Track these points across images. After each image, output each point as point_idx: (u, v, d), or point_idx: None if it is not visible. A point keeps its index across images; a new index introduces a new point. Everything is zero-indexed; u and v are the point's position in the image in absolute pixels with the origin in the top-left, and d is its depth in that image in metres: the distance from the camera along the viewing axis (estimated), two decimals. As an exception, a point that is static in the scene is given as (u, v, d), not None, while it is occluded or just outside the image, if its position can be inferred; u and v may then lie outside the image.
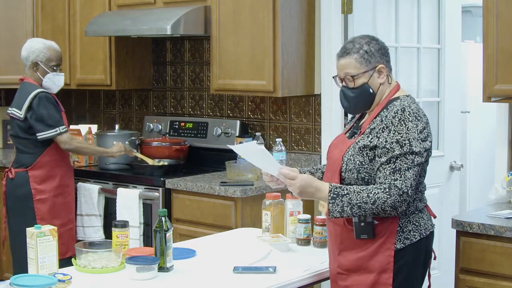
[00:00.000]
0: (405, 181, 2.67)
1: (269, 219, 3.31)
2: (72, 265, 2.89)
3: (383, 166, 2.70)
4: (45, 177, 4.32)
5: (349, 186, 2.73)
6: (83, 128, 5.18)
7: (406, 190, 2.67)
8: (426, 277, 2.91)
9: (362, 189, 2.69)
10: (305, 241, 3.27)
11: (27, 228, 2.76)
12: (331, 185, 2.74)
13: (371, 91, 2.83)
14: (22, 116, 4.25)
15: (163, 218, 2.85)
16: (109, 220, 4.60)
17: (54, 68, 4.37)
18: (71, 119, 5.96)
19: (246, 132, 4.93)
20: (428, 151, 2.77)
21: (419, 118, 2.75)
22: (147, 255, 2.85)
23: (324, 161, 4.27)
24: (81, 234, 4.69)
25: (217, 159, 4.86)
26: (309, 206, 3.93)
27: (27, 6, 5.59)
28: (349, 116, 4.16)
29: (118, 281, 2.76)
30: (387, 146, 2.71)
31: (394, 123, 2.73)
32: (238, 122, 4.92)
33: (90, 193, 4.73)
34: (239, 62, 4.55)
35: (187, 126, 5.17)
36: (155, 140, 5.03)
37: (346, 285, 2.82)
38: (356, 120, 3.00)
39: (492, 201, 3.72)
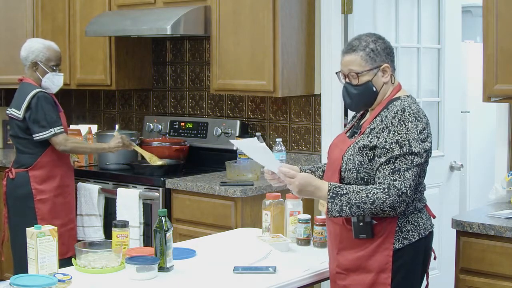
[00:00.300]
0: (404, 181, 2.67)
1: (269, 219, 3.31)
2: (72, 265, 2.89)
3: (382, 166, 2.71)
4: (45, 177, 4.32)
5: (349, 186, 2.73)
6: (83, 128, 5.18)
7: (405, 191, 2.67)
8: (425, 277, 2.91)
9: (361, 188, 2.70)
10: (305, 241, 3.27)
11: (27, 228, 2.76)
12: (330, 184, 2.74)
13: (374, 89, 2.83)
14: (21, 116, 4.25)
15: (163, 218, 2.85)
16: (109, 220, 4.60)
17: (54, 68, 4.37)
18: (71, 119, 5.96)
19: (246, 132, 4.94)
20: (428, 151, 2.77)
21: (419, 118, 2.75)
22: (147, 255, 2.85)
23: (324, 161, 4.28)
24: (81, 234, 4.69)
25: (217, 159, 4.86)
26: (309, 206, 3.94)
27: (27, 6, 5.59)
28: (349, 116, 4.17)
29: (118, 281, 2.76)
30: (387, 147, 2.71)
31: (394, 123, 2.73)
32: (238, 122, 4.92)
33: (90, 193, 4.73)
34: (239, 62, 4.55)
35: (187, 126, 5.17)
36: (155, 140, 5.03)
37: (345, 284, 2.82)
38: (357, 120, 3.00)
39: (492, 201, 3.72)
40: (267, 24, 4.40)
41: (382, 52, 2.83)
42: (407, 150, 2.69)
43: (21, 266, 3.95)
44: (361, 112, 3.00)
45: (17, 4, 5.58)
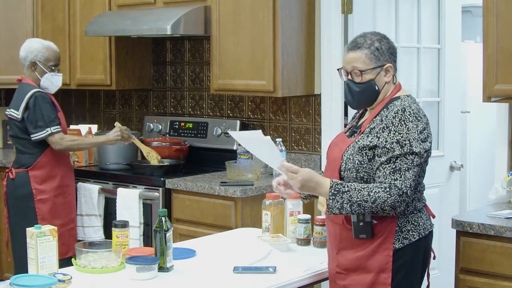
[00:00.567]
0: (405, 181, 2.67)
1: (269, 219, 3.31)
2: (72, 265, 2.89)
3: (383, 165, 2.70)
4: (45, 177, 4.32)
5: (350, 183, 2.72)
6: (83, 128, 5.18)
7: (405, 191, 2.67)
8: (425, 276, 2.91)
9: (363, 187, 2.69)
10: (305, 241, 3.27)
11: (27, 228, 2.76)
12: (332, 181, 2.72)
13: (376, 88, 2.82)
14: (19, 116, 4.25)
15: (163, 218, 2.85)
16: (109, 220, 4.60)
17: (52, 68, 4.37)
18: (71, 119, 5.97)
19: (246, 132, 4.93)
20: (428, 151, 2.77)
21: (419, 118, 2.75)
22: (147, 255, 2.85)
23: (324, 161, 4.28)
24: (81, 234, 4.69)
25: (217, 159, 4.86)
26: (309, 206, 3.93)
27: (27, 6, 5.59)
28: (350, 116, 4.17)
29: (118, 281, 2.76)
30: (387, 146, 2.71)
31: (394, 123, 2.73)
32: (238, 122, 4.92)
33: (90, 193, 4.73)
34: (239, 62, 4.55)
35: (187, 126, 5.17)
36: (155, 140, 5.03)
37: (345, 284, 2.82)
38: (356, 119, 3.00)
39: (492, 201, 3.72)
40: (267, 24, 4.40)
41: (386, 52, 2.83)
42: (408, 150, 2.69)
43: (21, 266, 3.95)
44: (360, 111, 3.00)
45: (17, 4, 5.58)
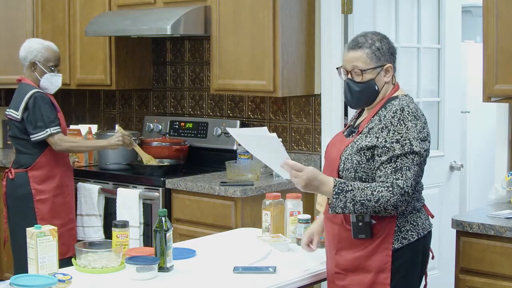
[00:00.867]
0: (406, 180, 2.67)
1: (269, 219, 3.31)
2: (72, 265, 2.89)
3: (383, 165, 2.70)
4: (44, 177, 4.32)
5: (353, 183, 2.70)
6: (83, 128, 5.18)
7: (407, 190, 2.67)
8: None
9: (366, 186, 2.68)
10: (305, 241, 3.27)
11: (27, 228, 2.76)
12: (335, 180, 2.71)
13: (376, 88, 2.82)
14: (19, 117, 4.25)
15: (163, 218, 2.85)
16: (109, 220, 4.60)
17: (52, 68, 4.37)
18: (71, 119, 5.97)
19: (246, 132, 4.93)
20: (427, 151, 2.77)
21: (418, 117, 2.75)
22: (147, 255, 2.85)
23: (324, 161, 4.27)
24: (81, 234, 4.69)
25: (217, 159, 4.86)
26: (309, 206, 3.93)
27: (27, 6, 5.59)
28: (349, 116, 4.17)
29: (118, 281, 2.76)
30: (387, 146, 2.70)
31: (393, 123, 2.72)
32: (238, 122, 4.92)
33: (90, 193, 4.73)
34: (239, 62, 4.55)
35: (187, 126, 5.17)
36: (155, 140, 5.03)
37: (344, 284, 2.82)
38: (354, 119, 3.00)
39: (492, 201, 3.72)
40: (267, 24, 4.40)
41: (387, 52, 2.83)
42: (409, 150, 2.69)
43: (21, 266, 3.95)
44: (358, 111, 3.00)
45: (17, 4, 5.58)
